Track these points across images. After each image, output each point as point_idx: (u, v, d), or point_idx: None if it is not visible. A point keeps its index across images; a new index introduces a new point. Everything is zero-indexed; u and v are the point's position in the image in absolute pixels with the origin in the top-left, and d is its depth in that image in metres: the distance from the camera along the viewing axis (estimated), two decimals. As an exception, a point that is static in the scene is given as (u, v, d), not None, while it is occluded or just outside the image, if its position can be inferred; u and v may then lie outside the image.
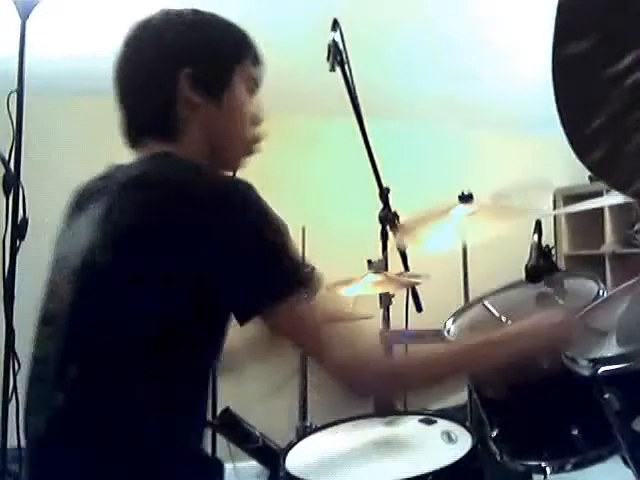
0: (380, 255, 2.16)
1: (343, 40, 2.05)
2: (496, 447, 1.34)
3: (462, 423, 1.34)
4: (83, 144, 2.98)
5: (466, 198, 1.97)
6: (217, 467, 1.00)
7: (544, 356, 1.16)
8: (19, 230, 1.92)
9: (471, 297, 1.86)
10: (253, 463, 1.50)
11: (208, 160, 1.03)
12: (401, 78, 3.29)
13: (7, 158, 1.92)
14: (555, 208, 4.10)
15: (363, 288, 2.09)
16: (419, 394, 1.11)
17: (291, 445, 1.33)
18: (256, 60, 1.09)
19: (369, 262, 2.11)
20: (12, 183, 1.92)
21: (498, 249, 3.19)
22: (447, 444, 1.24)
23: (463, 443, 1.22)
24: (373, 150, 2.16)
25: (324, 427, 1.45)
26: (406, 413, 1.44)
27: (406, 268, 2.25)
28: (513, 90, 3.43)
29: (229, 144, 1.07)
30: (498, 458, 1.33)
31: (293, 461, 1.23)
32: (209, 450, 2.16)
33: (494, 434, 1.33)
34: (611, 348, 1.10)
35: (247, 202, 0.89)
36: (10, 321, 1.87)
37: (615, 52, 0.70)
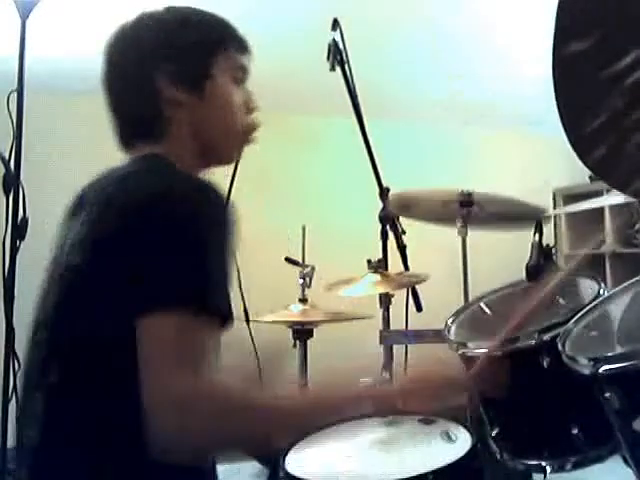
0: (380, 255, 2.16)
1: (343, 40, 2.05)
2: (496, 446, 1.33)
3: (462, 422, 1.34)
4: (83, 144, 2.97)
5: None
6: (212, 466, 0.98)
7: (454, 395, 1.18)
8: (19, 230, 1.92)
9: (471, 297, 1.86)
10: (253, 463, 1.51)
11: (200, 156, 1.03)
12: (401, 78, 3.29)
13: (7, 158, 1.93)
14: (555, 208, 4.10)
15: (363, 288, 2.09)
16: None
17: (291, 445, 1.33)
18: (241, 48, 1.07)
19: (369, 262, 2.11)
20: (12, 183, 1.93)
21: (498, 249, 3.20)
22: (447, 443, 1.24)
23: (463, 442, 1.21)
24: (373, 150, 2.16)
25: (324, 427, 1.45)
26: (406, 413, 1.44)
27: (406, 268, 2.25)
28: (513, 90, 3.43)
29: (219, 135, 1.06)
30: (498, 457, 1.33)
31: (293, 461, 1.23)
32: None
33: (494, 433, 1.33)
34: (612, 347, 1.10)
35: (192, 211, 0.86)
36: (10, 321, 1.87)
37: (615, 51, 0.70)
